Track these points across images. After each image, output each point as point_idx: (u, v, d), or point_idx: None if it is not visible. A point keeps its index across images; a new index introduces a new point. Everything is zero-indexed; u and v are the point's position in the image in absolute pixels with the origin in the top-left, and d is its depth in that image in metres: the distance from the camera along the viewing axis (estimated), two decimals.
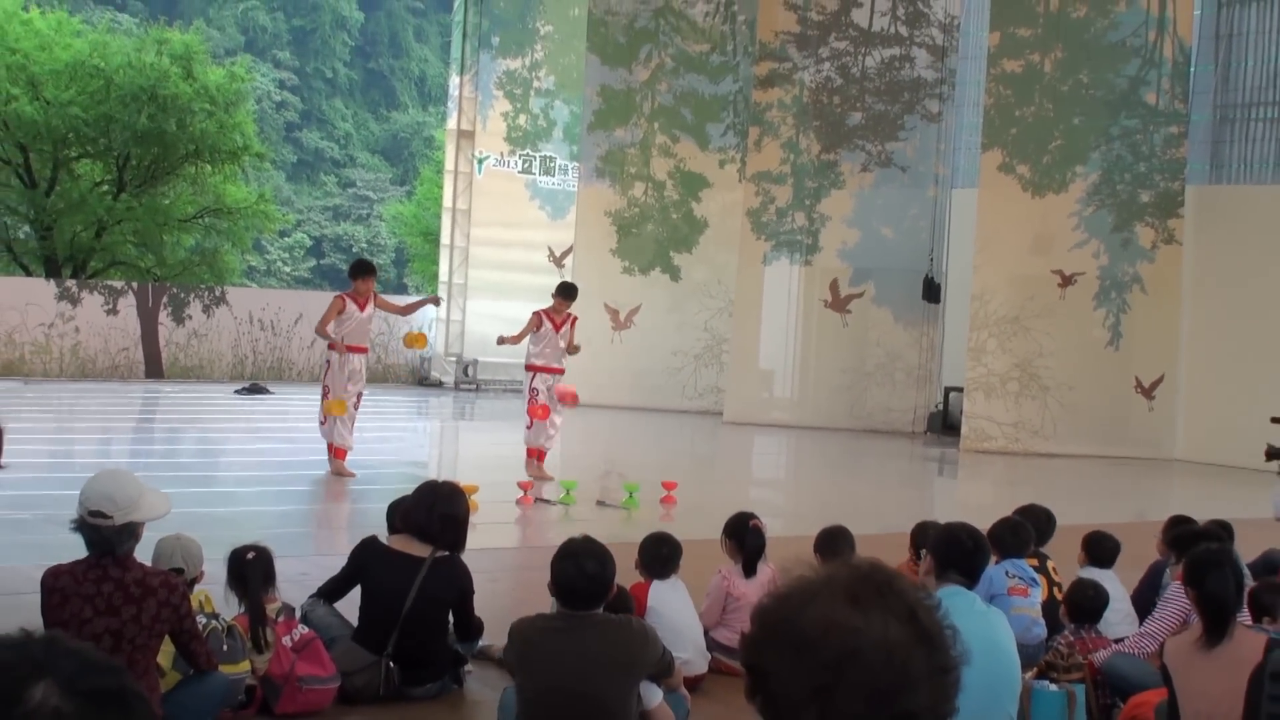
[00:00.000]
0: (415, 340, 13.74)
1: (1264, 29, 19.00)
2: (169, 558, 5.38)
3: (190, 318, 22.28)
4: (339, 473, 12.04)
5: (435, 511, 5.81)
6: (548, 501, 11.41)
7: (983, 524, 5.44)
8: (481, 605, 6.09)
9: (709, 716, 5.62)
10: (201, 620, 5.16)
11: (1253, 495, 12.93)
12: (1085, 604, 6.13)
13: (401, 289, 45.32)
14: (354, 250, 52.33)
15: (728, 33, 22.00)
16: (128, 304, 21.83)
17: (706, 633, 6.30)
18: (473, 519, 6.23)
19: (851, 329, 20.36)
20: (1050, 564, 6.95)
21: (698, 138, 21.96)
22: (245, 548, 5.67)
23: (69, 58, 25.92)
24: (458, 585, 5.85)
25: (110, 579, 4.60)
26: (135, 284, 23.04)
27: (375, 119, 66.62)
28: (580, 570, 4.65)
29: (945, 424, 19.99)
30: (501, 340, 13.06)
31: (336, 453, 12.13)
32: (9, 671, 1.24)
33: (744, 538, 6.53)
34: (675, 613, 6.00)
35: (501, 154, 24.84)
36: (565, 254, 23.58)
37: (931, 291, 20.09)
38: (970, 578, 4.46)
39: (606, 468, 14.53)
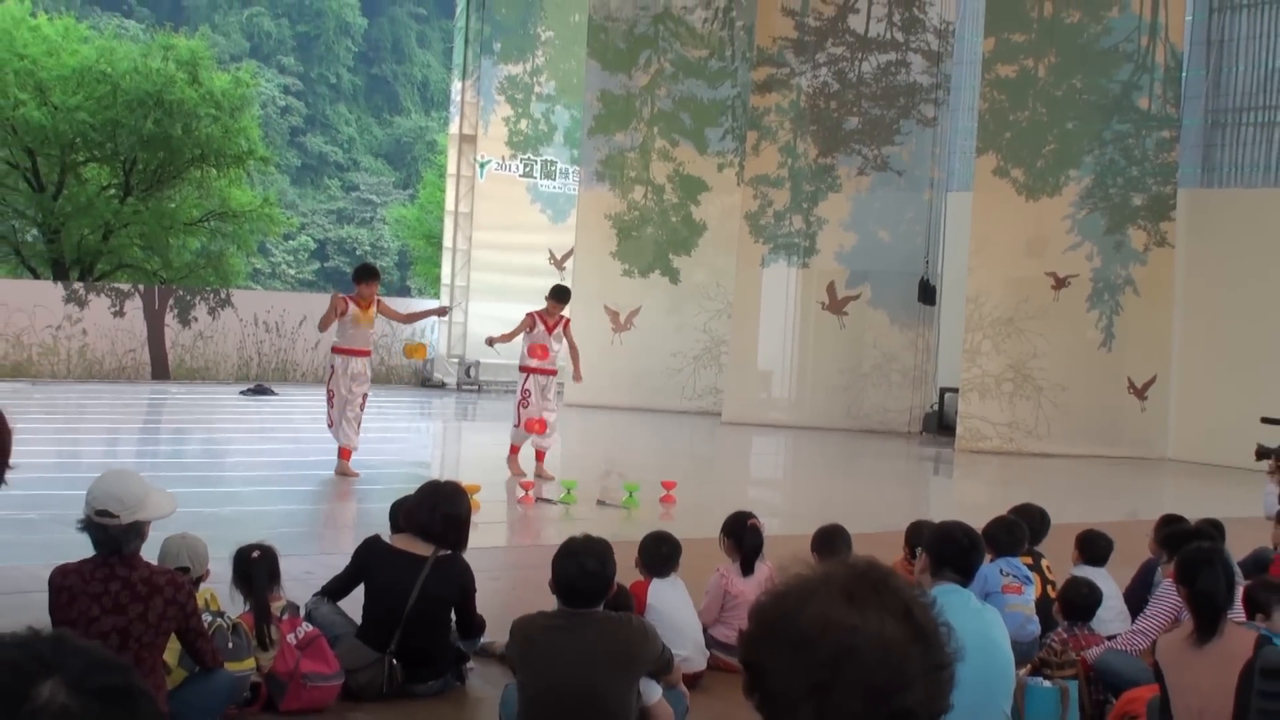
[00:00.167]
0: (415, 351, 13.74)
1: (1254, 34, 19.03)
2: (175, 556, 5.40)
3: (196, 320, 22.35)
4: (343, 472, 12.08)
5: (438, 511, 5.84)
6: (549, 501, 11.42)
7: (978, 523, 5.46)
8: (483, 603, 6.12)
9: (708, 713, 5.64)
10: (207, 618, 5.18)
11: (1243, 494, 12.85)
12: (1079, 601, 6.17)
13: (405, 291, 45.17)
14: (357, 253, 52.26)
15: (726, 38, 22.05)
16: (134, 306, 21.88)
17: (705, 630, 6.33)
18: (474, 518, 6.28)
19: (848, 331, 20.41)
20: (1044, 562, 6.98)
21: (696, 142, 22.01)
22: (250, 546, 5.69)
23: (76, 63, 25.93)
24: (460, 583, 5.87)
25: (117, 578, 4.61)
26: (142, 286, 23.08)
27: (378, 123, 66.55)
28: (581, 568, 4.68)
29: (940, 424, 20.01)
30: (490, 340, 13.03)
31: (341, 452, 12.18)
32: (17, 669, 1.24)
33: (742, 536, 6.57)
34: (674, 610, 6.03)
35: (503, 158, 24.88)
36: (566, 257, 23.62)
37: (927, 294, 20.13)
38: (965, 576, 4.48)
39: (607, 467, 14.55)
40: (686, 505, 11.43)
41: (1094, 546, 6.99)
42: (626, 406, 20.71)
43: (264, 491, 11.99)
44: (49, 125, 25.18)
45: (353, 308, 12.10)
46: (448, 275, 25.15)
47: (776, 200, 20.67)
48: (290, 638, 5.53)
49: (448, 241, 25.33)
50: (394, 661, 5.74)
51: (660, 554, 6.20)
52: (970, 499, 14.48)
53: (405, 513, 6.06)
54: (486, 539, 9.58)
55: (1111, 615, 6.50)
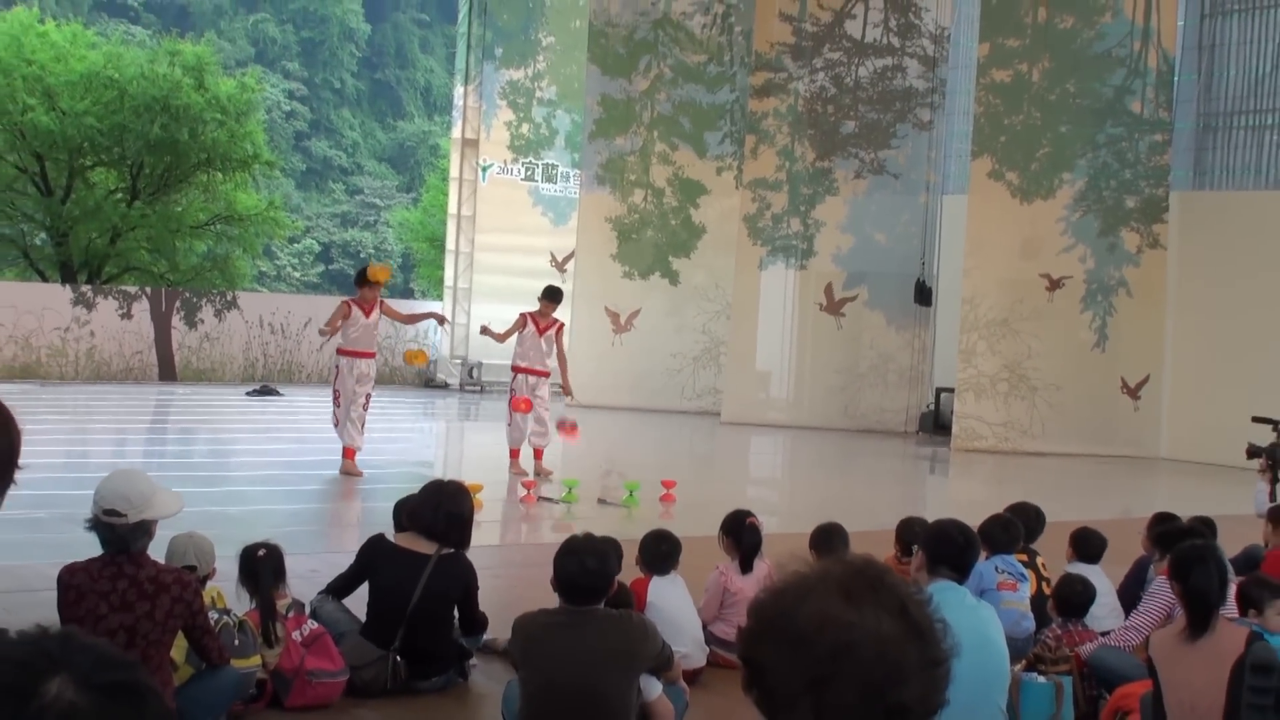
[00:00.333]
0: (415, 357, 13.79)
1: (1245, 39, 19.08)
2: (182, 555, 5.43)
3: (202, 322, 22.45)
4: (347, 472, 12.16)
5: (441, 510, 5.87)
6: (550, 500, 11.47)
7: (973, 521, 5.49)
8: (485, 600, 6.16)
9: (707, 708, 5.66)
10: (213, 616, 5.20)
11: (1235, 492, 12.76)
12: (1073, 598, 6.19)
13: (408, 293, 45.01)
14: (361, 256, 52.05)
15: (725, 44, 22.13)
16: (141, 308, 21.99)
17: (705, 627, 6.36)
18: (477, 517, 6.30)
19: (845, 331, 20.47)
20: (1039, 559, 7.00)
21: (696, 146, 22.07)
22: (256, 545, 5.73)
23: (84, 69, 26.03)
24: (462, 581, 5.90)
25: (125, 576, 4.63)
26: (149, 289, 23.16)
27: (382, 128, 66.47)
28: (582, 566, 4.70)
29: (937, 424, 20.08)
30: (484, 330, 13.10)
31: (346, 452, 12.26)
32: (26, 666, 1.24)
33: (741, 535, 6.60)
34: (674, 608, 6.05)
35: (505, 162, 24.93)
36: (567, 259, 23.71)
37: (923, 295, 20.20)
38: (961, 573, 4.50)
39: (608, 467, 14.51)
40: (686, 504, 11.49)
41: (1088, 544, 7.02)
42: (627, 407, 20.78)
43: (269, 491, 12.04)
44: (57, 130, 25.28)
45: (356, 310, 12.23)
46: (450, 277, 25.19)
47: (775, 203, 20.75)
48: (295, 635, 5.55)
49: (450, 244, 25.37)
50: (398, 658, 5.77)
51: (660, 552, 6.24)
52: (966, 497, 14.50)
53: (409, 512, 6.12)
54: (489, 537, 9.79)
55: (1105, 612, 6.54)
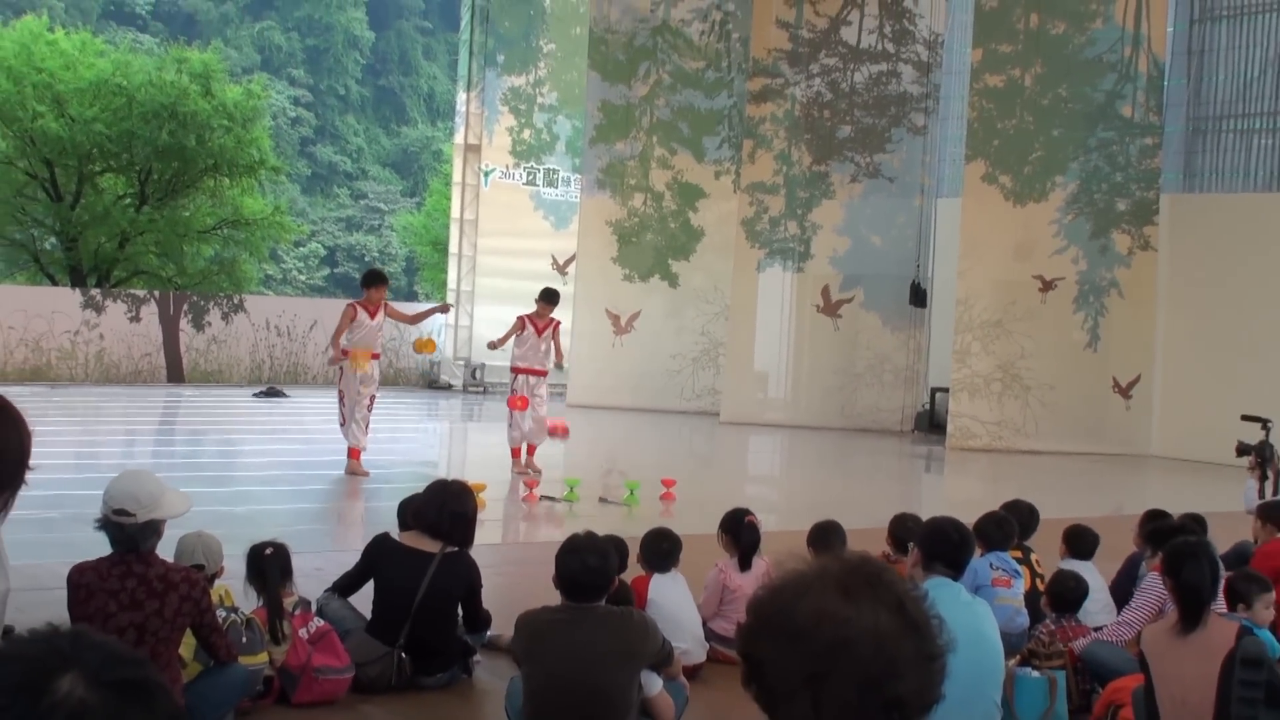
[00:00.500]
0: (425, 346, 13.80)
1: (1234, 44, 19.28)
2: (190, 554, 5.44)
3: (210, 324, 22.57)
4: (353, 472, 12.25)
5: (445, 509, 5.88)
6: (552, 499, 11.52)
7: (968, 518, 5.52)
8: (489, 598, 6.20)
9: (707, 703, 5.69)
10: (221, 614, 5.21)
11: (1225, 489, 12.95)
12: (1066, 594, 6.21)
13: (412, 296, 45.05)
14: (366, 259, 52.18)
15: (722, 50, 22.28)
16: (150, 312, 22.11)
17: (704, 624, 6.39)
18: (480, 516, 6.32)
19: (842, 333, 20.62)
20: (1033, 556, 7.05)
21: (694, 150, 22.23)
22: (263, 544, 5.73)
23: (93, 76, 26.17)
24: (466, 579, 5.91)
25: (134, 575, 4.62)
26: (157, 292, 23.29)
27: (386, 134, 66.49)
28: (583, 564, 4.73)
29: (932, 423, 20.24)
30: (492, 345, 13.31)
31: (351, 452, 12.35)
32: (37, 664, 1.25)
33: (740, 533, 6.61)
34: (674, 605, 6.08)
35: (507, 167, 25.09)
36: (568, 262, 23.85)
37: (918, 296, 20.36)
38: (956, 570, 4.53)
39: (608, 466, 14.64)
40: (686, 502, 11.61)
41: (1080, 541, 7.04)
42: (627, 407, 20.94)
43: (276, 491, 12.08)
44: (66, 137, 25.45)
45: (361, 312, 12.35)
46: (453, 280, 25.33)
47: (772, 206, 20.91)
48: (302, 632, 5.58)
49: (453, 248, 25.53)
50: (403, 655, 5.79)
51: (661, 550, 6.28)
52: (960, 495, 14.62)
53: (413, 511, 6.15)
54: (492, 536, 9.91)
55: (1098, 607, 6.57)
